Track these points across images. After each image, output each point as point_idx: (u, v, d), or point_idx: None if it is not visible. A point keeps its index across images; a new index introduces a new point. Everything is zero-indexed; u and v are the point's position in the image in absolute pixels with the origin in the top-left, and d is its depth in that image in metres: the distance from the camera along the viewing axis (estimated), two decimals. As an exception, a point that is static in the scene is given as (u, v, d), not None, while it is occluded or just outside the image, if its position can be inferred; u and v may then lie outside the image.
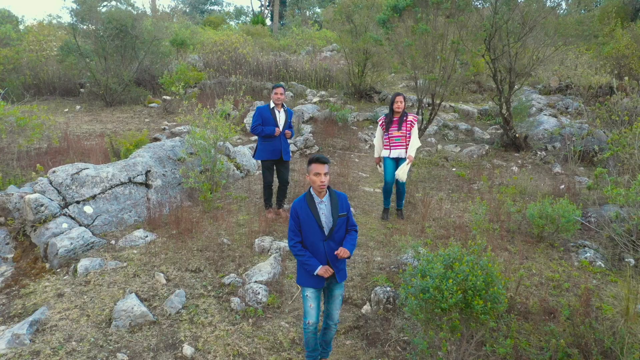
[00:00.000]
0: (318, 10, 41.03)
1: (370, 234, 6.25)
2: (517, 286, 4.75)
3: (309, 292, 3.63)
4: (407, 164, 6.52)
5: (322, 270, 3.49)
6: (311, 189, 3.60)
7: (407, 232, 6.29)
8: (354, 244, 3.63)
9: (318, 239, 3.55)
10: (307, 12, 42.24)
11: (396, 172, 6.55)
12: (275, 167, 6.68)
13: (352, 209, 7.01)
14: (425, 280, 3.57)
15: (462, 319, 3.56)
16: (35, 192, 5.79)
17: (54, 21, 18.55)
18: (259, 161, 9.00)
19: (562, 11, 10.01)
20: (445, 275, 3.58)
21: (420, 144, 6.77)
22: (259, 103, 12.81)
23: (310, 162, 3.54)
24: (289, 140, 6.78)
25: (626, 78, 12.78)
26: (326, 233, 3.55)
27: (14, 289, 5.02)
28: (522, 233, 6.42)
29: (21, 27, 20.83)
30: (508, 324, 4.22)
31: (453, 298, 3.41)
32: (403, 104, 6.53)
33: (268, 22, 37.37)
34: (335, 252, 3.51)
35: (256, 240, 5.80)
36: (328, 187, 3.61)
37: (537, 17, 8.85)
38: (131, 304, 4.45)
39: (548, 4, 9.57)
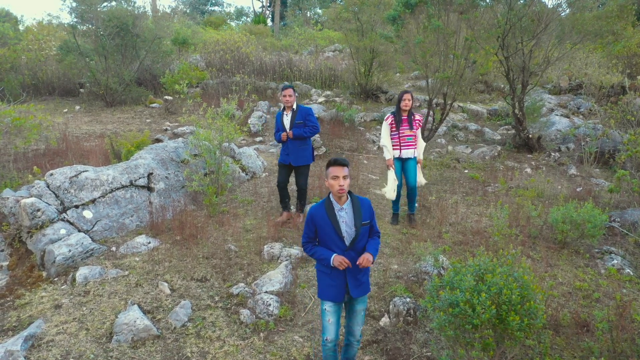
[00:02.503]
0: (319, 10, 40.78)
1: (385, 240, 5.93)
2: (547, 297, 4.44)
3: (327, 306, 3.32)
4: (420, 166, 6.33)
5: (337, 259, 3.15)
6: (331, 195, 3.29)
7: (425, 238, 5.98)
8: (377, 248, 3.32)
9: (338, 250, 3.23)
10: (308, 12, 41.97)
11: (417, 180, 6.32)
12: (293, 171, 6.45)
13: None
14: (455, 294, 3.27)
15: (495, 336, 3.26)
16: (31, 196, 5.49)
17: (54, 21, 18.27)
18: (265, 163, 8.76)
19: (575, 10, 9.70)
20: (477, 288, 3.28)
21: (425, 144, 6.53)
22: (263, 103, 12.53)
23: (328, 165, 3.22)
24: (308, 141, 6.42)
25: (639, 77, 12.47)
26: (347, 243, 3.23)
27: (8, 299, 4.71)
28: (544, 238, 6.11)
29: (20, 27, 20.58)
30: (541, 340, 3.90)
31: (486, 313, 3.11)
32: (411, 102, 6.24)
33: (269, 22, 37.10)
34: (357, 262, 3.18)
35: (265, 246, 5.49)
36: (349, 192, 3.29)
37: (553, 13, 8.54)
38: (133, 317, 4.15)
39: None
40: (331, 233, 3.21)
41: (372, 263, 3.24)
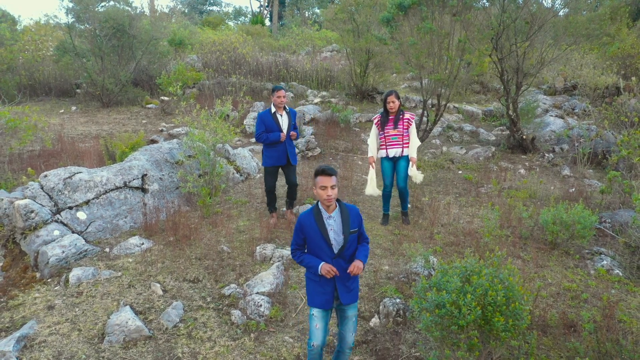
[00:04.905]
0: (317, 10, 40.83)
1: (376, 241, 5.98)
2: (534, 298, 4.49)
3: (315, 312, 3.35)
4: (412, 166, 6.23)
5: (324, 268, 3.18)
6: (319, 203, 3.31)
7: (416, 239, 6.02)
8: (366, 255, 3.33)
9: (326, 257, 3.26)
10: (307, 12, 42.01)
11: (410, 175, 6.26)
12: (282, 171, 6.45)
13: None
14: (441, 295, 3.31)
15: (481, 337, 3.30)
16: (25, 198, 5.52)
17: (51, 21, 18.29)
18: (260, 164, 8.78)
19: (569, 10, 9.76)
20: (463, 289, 3.32)
21: (420, 143, 6.45)
22: (259, 104, 12.56)
23: (316, 174, 3.22)
24: (294, 142, 6.51)
25: (633, 78, 12.54)
26: (335, 251, 3.25)
27: (1, 300, 4.75)
28: (534, 239, 6.15)
29: (18, 27, 20.60)
30: (528, 341, 3.95)
31: (472, 315, 3.15)
32: (396, 103, 6.24)
33: (267, 22, 37.13)
34: (348, 270, 3.19)
35: (257, 247, 5.53)
36: (338, 200, 3.32)
37: (547, 15, 8.59)
38: (125, 318, 4.18)
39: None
40: (319, 241, 3.24)
41: (362, 270, 3.25)
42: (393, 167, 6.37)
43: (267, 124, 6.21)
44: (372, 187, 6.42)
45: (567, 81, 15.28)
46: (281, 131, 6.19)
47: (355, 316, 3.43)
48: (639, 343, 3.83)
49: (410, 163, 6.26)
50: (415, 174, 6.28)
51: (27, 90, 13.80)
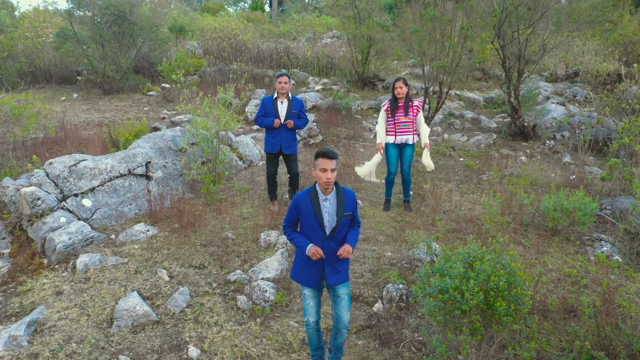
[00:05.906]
0: (317, -4, 40.48)
1: (379, 228, 6.05)
2: (536, 283, 4.56)
3: (307, 291, 3.44)
4: (427, 153, 6.42)
5: (311, 250, 3.23)
6: (317, 184, 3.35)
7: (418, 226, 6.09)
8: (356, 239, 3.41)
9: (317, 239, 3.31)
10: (307, -2, 41.63)
11: (423, 162, 6.45)
12: (283, 160, 6.49)
13: (359, 201, 6.82)
14: (445, 280, 3.38)
15: (483, 321, 3.37)
16: (31, 185, 5.57)
17: (50, 7, 18.18)
18: (262, 151, 8.82)
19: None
20: (466, 275, 3.39)
21: (429, 129, 6.50)
22: (261, 91, 12.55)
23: (317, 156, 3.25)
24: (297, 132, 6.52)
25: (635, 65, 12.51)
26: (327, 233, 3.31)
27: (10, 286, 4.82)
28: (535, 226, 6.22)
29: (17, 13, 20.47)
30: (529, 325, 4.03)
31: (474, 299, 3.22)
32: (404, 89, 6.27)
33: (267, 8, 36.86)
34: (338, 253, 3.27)
35: (262, 234, 5.60)
36: (335, 183, 3.35)
37: (550, 1, 8.56)
38: (133, 303, 4.26)
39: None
40: (313, 222, 3.29)
41: (352, 254, 3.33)
42: (399, 154, 6.42)
43: (266, 108, 6.30)
44: (365, 171, 6.57)
45: (568, 68, 15.24)
46: (277, 117, 6.23)
47: (348, 294, 3.44)
48: (637, 327, 3.90)
49: (425, 150, 6.38)
50: (429, 163, 6.46)
51: (28, 78, 13.76)
